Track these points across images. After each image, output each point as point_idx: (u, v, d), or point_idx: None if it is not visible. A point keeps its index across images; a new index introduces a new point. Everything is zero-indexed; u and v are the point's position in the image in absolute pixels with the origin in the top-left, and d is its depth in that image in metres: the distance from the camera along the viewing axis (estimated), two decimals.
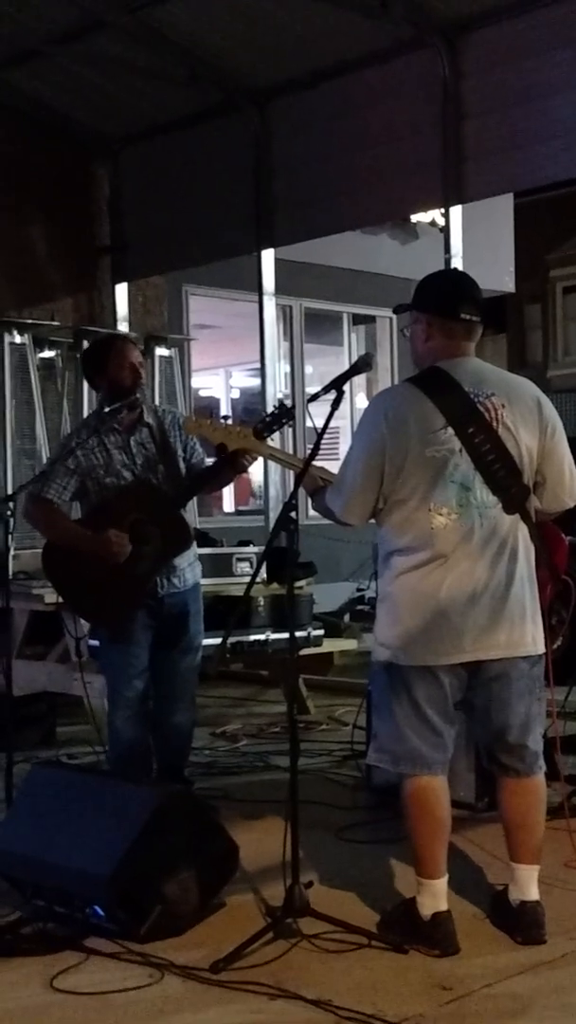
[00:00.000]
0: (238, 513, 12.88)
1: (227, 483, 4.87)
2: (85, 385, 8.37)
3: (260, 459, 4.45)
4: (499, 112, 6.43)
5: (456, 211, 6.74)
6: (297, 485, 3.71)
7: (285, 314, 11.22)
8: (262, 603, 6.79)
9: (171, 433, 4.69)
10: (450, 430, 3.47)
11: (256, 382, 9.57)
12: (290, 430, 10.59)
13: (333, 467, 3.77)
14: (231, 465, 4.41)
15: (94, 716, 5.47)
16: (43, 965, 3.44)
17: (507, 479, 3.51)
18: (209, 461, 4.67)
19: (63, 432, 7.83)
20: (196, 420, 4.30)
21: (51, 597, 5.61)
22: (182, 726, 4.84)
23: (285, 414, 4.20)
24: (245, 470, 4.50)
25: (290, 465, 4.07)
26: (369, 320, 12.51)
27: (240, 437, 4.11)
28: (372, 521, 3.64)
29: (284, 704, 6.35)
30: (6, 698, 5.07)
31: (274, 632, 6.65)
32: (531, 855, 3.60)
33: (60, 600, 5.11)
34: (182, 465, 4.67)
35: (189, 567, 4.72)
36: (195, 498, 5.80)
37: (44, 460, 7.14)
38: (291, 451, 9.86)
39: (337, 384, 3.69)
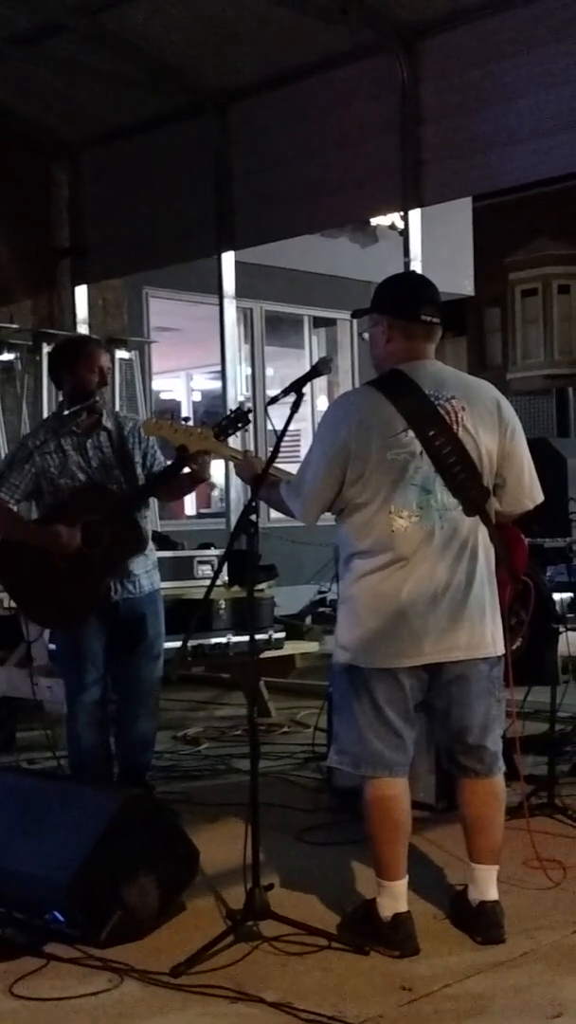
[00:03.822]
0: (199, 516, 12.86)
1: (188, 492, 4.85)
2: (45, 387, 8.36)
3: (222, 462, 4.44)
4: (457, 116, 6.46)
5: (415, 214, 6.76)
6: (256, 487, 3.71)
7: (246, 317, 11.23)
8: (223, 606, 6.78)
9: (130, 439, 4.67)
10: (411, 433, 3.48)
11: (217, 385, 9.56)
12: (251, 433, 10.60)
13: (293, 470, 3.77)
14: (190, 474, 4.40)
15: (55, 722, 5.44)
16: (2, 971, 3.41)
17: (467, 481, 3.52)
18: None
19: (22, 435, 7.80)
20: (156, 421, 4.29)
21: (10, 602, 5.57)
22: (144, 733, 4.83)
23: (241, 417, 4.20)
24: (205, 479, 4.49)
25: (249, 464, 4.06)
26: (329, 323, 12.54)
27: (201, 439, 4.11)
28: (333, 523, 3.65)
29: (245, 707, 6.34)
30: None
31: (235, 635, 6.64)
32: (490, 855, 3.62)
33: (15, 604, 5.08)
34: (140, 472, 4.66)
35: (145, 574, 4.70)
36: (156, 502, 5.78)
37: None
38: (253, 453, 9.85)
39: (297, 387, 3.70)
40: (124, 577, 4.61)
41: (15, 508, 4.71)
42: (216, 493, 13.21)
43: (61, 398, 4.88)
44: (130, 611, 4.64)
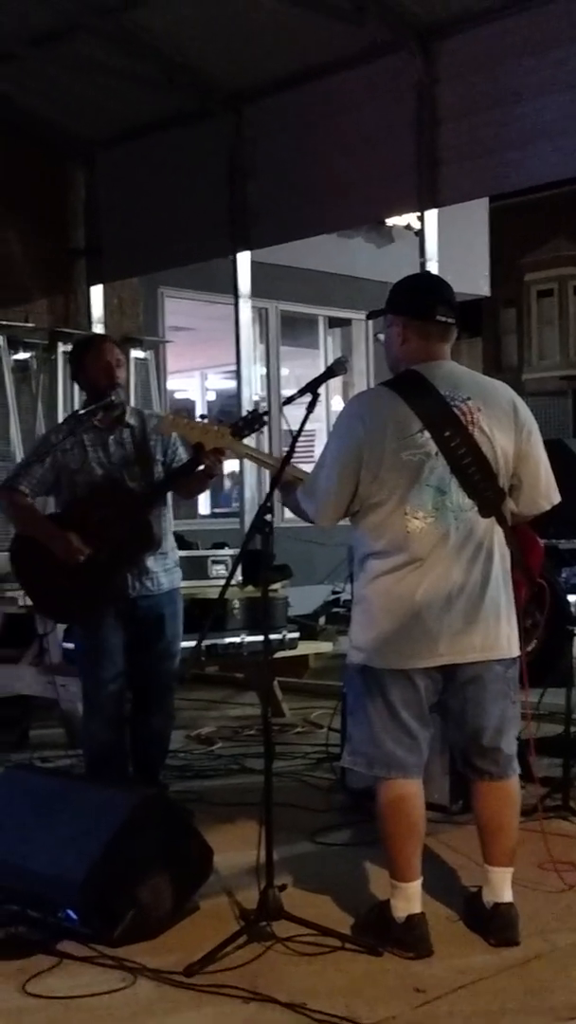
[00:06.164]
0: (213, 515, 12.87)
1: (202, 489, 4.86)
2: (60, 387, 8.40)
3: (236, 462, 4.45)
4: (474, 117, 6.45)
5: (431, 215, 6.76)
6: (273, 486, 3.71)
7: (261, 317, 11.23)
8: (237, 605, 6.78)
9: (152, 436, 4.69)
10: (426, 433, 3.48)
11: (232, 384, 9.58)
12: (266, 433, 10.60)
13: (309, 470, 3.77)
14: (205, 469, 4.40)
15: (70, 719, 5.46)
16: (15, 969, 3.42)
17: (483, 482, 3.51)
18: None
19: (37, 434, 7.82)
20: (173, 418, 4.30)
21: (24, 600, 5.59)
22: (159, 732, 4.83)
23: (257, 419, 4.20)
24: (216, 473, 4.48)
25: (267, 464, 4.07)
26: (345, 323, 12.53)
27: (217, 436, 4.11)
28: (347, 523, 3.64)
29: (259, 707, 6.35)
30: None
31: (249, 635, 6.65)
32: (505, 857, 3.61)
33: (30, 601, 5.09)
34: (160, 469, 4.67)
35: (164, 572, 4.70)
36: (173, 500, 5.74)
37: (19, 461, 7.12)
38: (267, 453, 9.85)
39: (312, 387, 3.70)
40: (142, 574, 4.61)
41: (33, 502, 4.73)
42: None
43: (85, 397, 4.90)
44: (149, 610, 4.65)
